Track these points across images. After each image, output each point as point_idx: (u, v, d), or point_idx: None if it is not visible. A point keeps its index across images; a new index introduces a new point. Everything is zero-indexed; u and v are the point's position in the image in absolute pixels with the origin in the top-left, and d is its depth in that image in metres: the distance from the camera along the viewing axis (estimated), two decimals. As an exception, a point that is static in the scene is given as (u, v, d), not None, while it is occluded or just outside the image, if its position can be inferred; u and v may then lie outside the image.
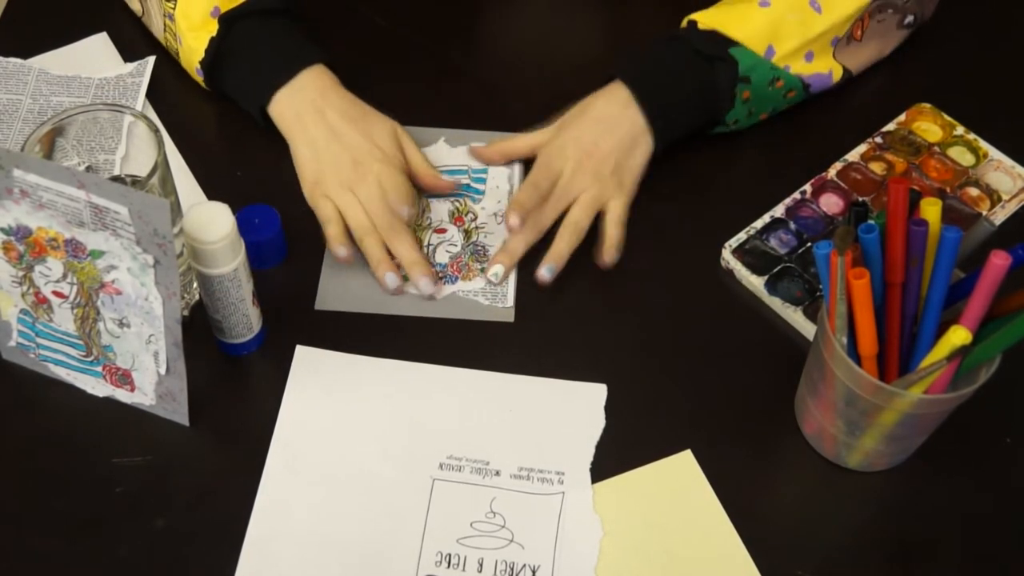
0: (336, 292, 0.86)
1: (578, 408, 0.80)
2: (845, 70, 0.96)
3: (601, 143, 0.89)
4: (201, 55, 0.91)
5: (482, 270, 0.87)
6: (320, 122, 0.89)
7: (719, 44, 0.90)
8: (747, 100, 0.91)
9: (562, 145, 0.89)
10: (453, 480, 0.77)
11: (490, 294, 0.86)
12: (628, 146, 0.89)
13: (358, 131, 0.88)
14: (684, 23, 0.92)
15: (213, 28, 0.90)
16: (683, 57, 0.90)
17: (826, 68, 0.94)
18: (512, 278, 0.87)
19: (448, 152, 0.94)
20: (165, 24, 0.94)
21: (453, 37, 1.03)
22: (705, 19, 0.91)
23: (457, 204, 0.91)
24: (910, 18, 0.98)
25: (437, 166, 0.92)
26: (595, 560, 0.74)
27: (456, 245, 0.89)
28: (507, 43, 1.05)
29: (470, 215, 0.91)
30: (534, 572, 0.73)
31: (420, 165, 0.90)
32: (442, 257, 0.88)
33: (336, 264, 0.87)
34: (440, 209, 0.91)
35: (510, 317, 0.85)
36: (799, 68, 0.92)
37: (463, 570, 0.73)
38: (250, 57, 0.91)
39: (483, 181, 0.93)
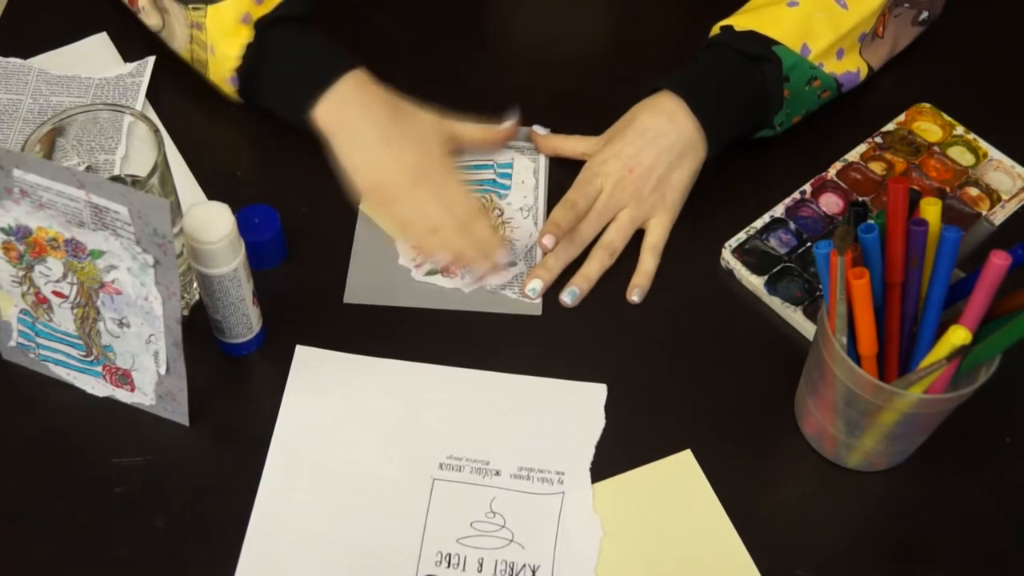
0: (364, 286, 0.86)
1: (578, 408, 0.80)
2: (869, 68, 0.96)
3: (643, 157, 0.87)
4: (236, 62, 0.89)
5: (509, 263, 0.87)
6: (368, 125, 0.87)
7: (761, 43, 0.89)
8: (787, 100, 0.90)
9: (603, 160, 0.88)
10: (453, 480, 0.77)
11: (517, 288, 0.87)
12: (673, 159, 0.88)
13: (407, 136, 0.87)
14: (716, 29, 0.91)
15: (246, 35, 0.88)
16: (728, 60, 0.89)
17: (855, 66, 0.94)
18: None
19: None
20: (192, 35, 0.91)
21: (453, 37, 1.03)
22: (740, 22, 0.90)
23: (483, 200, 0.91)
24: (925, 14, 0.98)
25: (460, 160, 0.91)
26: (595, 560, 0.74)
27: None
28: (508, 42, 1.05)
29: (496, 211, 0.91)
30: (534, 572, 0.73)
31: (476, 133, 0.90)
32: None
33: (363, 257, 0.87)
34: None
35: (537, 311, 0.85)
36: (832, 66, 0.92)
37: (463, 570, 0.73)
38: (290, 62, 0.89)
39: (508, 176, 0.93)
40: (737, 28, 0.90)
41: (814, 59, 0.90)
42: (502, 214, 0.91)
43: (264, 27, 0.88)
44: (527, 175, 0.93)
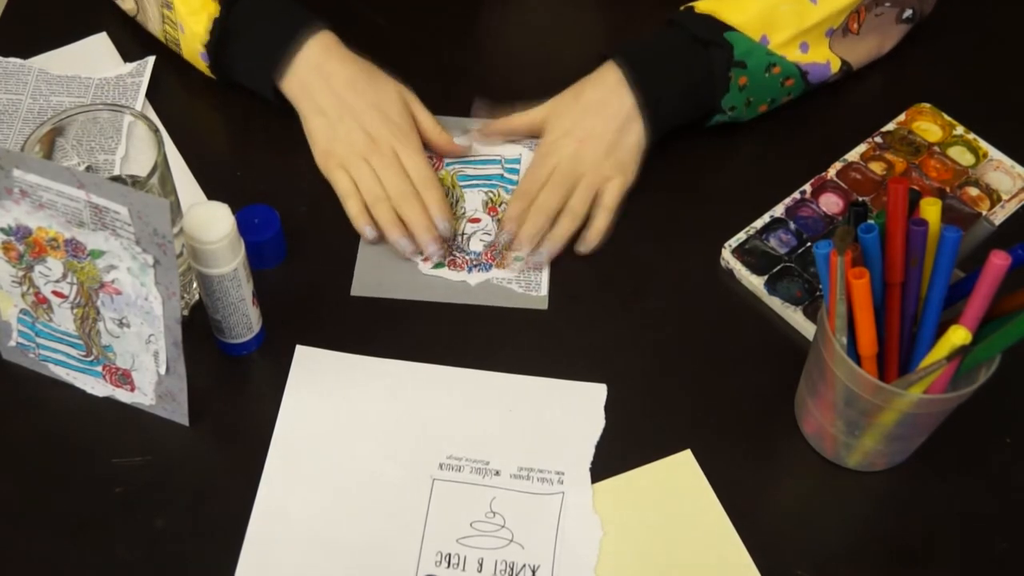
0: (372, 278, 0.87)
1: (578, 408, 0.80)
2: (844, 62, 0.96)
3: (593, 128, 0.90)
4: (204, 37, 0.91)
5: (516, 258, 0.88)
6: (327, 91, 0.89)
7: (714, 28, 0.90)
8: (744, 87, 0.91)
9: (554, 141, 0.90)
10: (453, 480, 0.77)
11: (524, 282, 0.87)
12: (618, 127, 0.90)
13: (367, 102, 0.89)
14: (682, 8, 0.93)
15: (212, 9, 0.90)
16: (678, 41, 0.91)
17: (823, 59, 0.94)
18: (546, 270, 0.88)
19: (482, 142, 0.96)
20: (163, 15, 0.94)
21: (453, 36, 1.03)
22: (702, 5, 0.92)
23: (491, 194, 0.92)
24: (908, 12, 0.98)
25: (469, 155, 0.94)
26: (595, 560, 0.74)
27: (490, 234, 0.90)
28: (507, 42, 1.05)
29: (503, 205, 0.91)
30: (534, 572, 0.73)
31: (432, 130, 0.92)
32: (476, 246, 0.89)
33: (371, 250, 0.88)
34: (474, 199, 0.92)
35: (544, 305, 0.86)
36: (795, 57, 0.92)
37: (463, 570, 0.73)
38: (255, 33, 0.91)
39: (516, 172, 0.93)
40: (697, 10, 0.91)
41: (774, 49, 0.91)
42: None
43: (230, 0, 0.90)
44: None
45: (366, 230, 0.87)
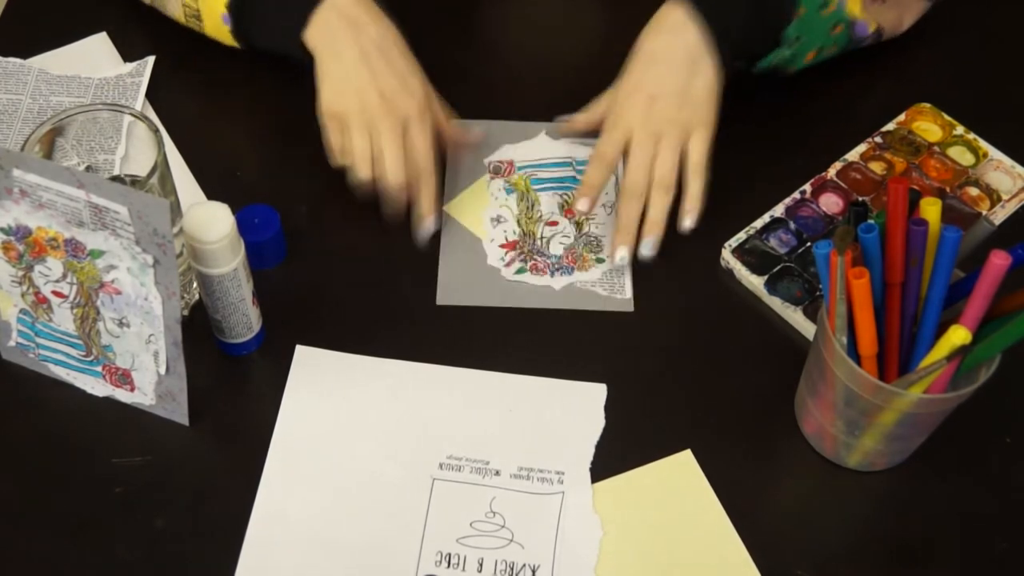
0: (455, 286, 0.86)
1: (578, 408, 0.80)
2: (878, 26, 0.95)
3: (660, 81, 0.85)
4: (223, 7, 0.88)
5: (597, 260, 0.87)
6: (353, 42, 0.84)
7: None
8: (800, 18, 0.87)
9: (622, 102, 0.87)
10: (453, 480, 0.77)
11: (607, 285, 0.87)
12: (690, 70, 0.85)
13: (391, 64, 0.85)
14: None
15: None
16: None
17: (863, 17, 0.92)
18: (628, 272, 0.87)
19: (550, 144, 0.95)
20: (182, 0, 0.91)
21: (454, 37, 1.03)
22: None
23: (566, 196, 0.91)
24: None
25: (540, 159, 0.93)
26: (595, 560, 0.74)
27: (569, 237, 0.89)
28: (509, 41, 1.05)
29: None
30: (534, 572, 0.73)
31: (444, 121, 0.89)
32: (556, 249, 0.88)
33: (452, 258, 0.87)
34: (550, 202, 0.91)
35: (629, 307, 0.85)
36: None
37: (463, 570, 0.73)
38: None
39: None
40: None
41: None
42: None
43: None
44: None
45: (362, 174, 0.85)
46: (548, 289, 0.86)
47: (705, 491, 0.77)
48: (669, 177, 0.86)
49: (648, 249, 0.86)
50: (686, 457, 0.78)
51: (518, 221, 0.90)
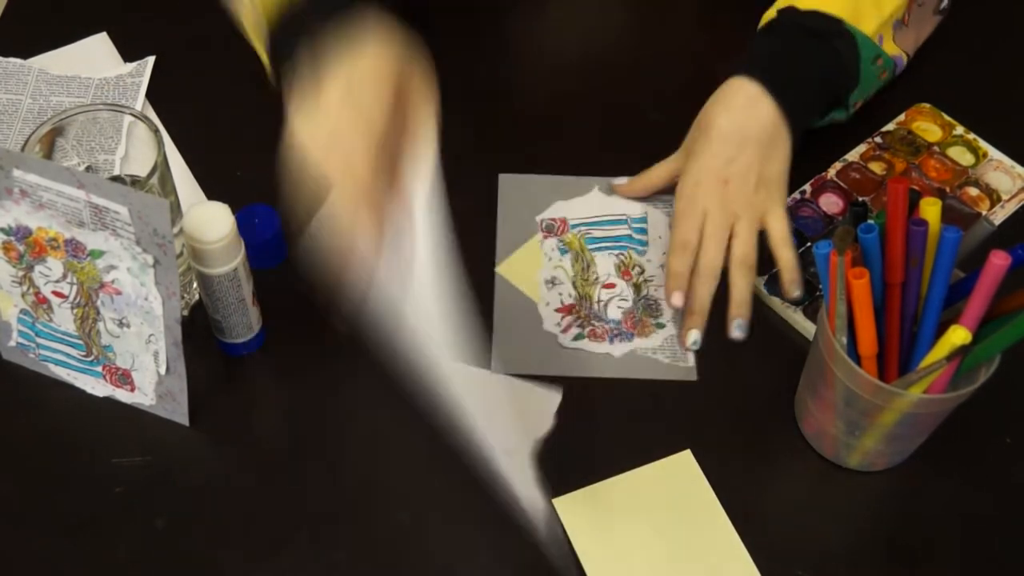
0: (510, 355, 0.82)
1: None
2: (907, 55, 0.95)
3: (735, 163, 0.84)
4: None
5: (657, 325, 0.84)
6: (344, 74, 0.71)
7: (829, 20, 0.86)
8: (862, 79, 0.88)
9: (696, 182, 0.85)
10: None
11: (669, 352, 0.83)
12: (765, 151, 0.84)
13: (367, 112, 0.70)
14: (773, 12, 0.89)
15: None
16: (799, 39, 0.86)
17: (897, 51, 0.93)
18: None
19: (603, 202, 0.91)
20: None
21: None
22: (801, 2, 0.87)
23: (622, 257, 0.87)
24: (944, 2, 0.98)
25: (594, 217, 0.89)
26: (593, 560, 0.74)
27: (627, 300, 0.85)
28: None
29: (636, 268, 0.87)
30: None
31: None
32: (614, 313, 0.84)
33: (506, 323, 0.83)
34: (606, 263, 0.87)
35: (693, 376, 0.82)
36: (884, 50, 0.91)
37: None
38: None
39: (644, 232, 0.89)
40: (800, 7, 0.87)
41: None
42: (643, 272, 0.87)
43: None
44: (663, 230, 0.89)
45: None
46: (607, 357, 0.82)
47: (705, 491, 0.77)
48: (751, 256, 0.83)
49: (740, 331, 0.82)
50: (686, 457, 0.78)
51: (574, 283, 0.86)
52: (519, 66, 1.03)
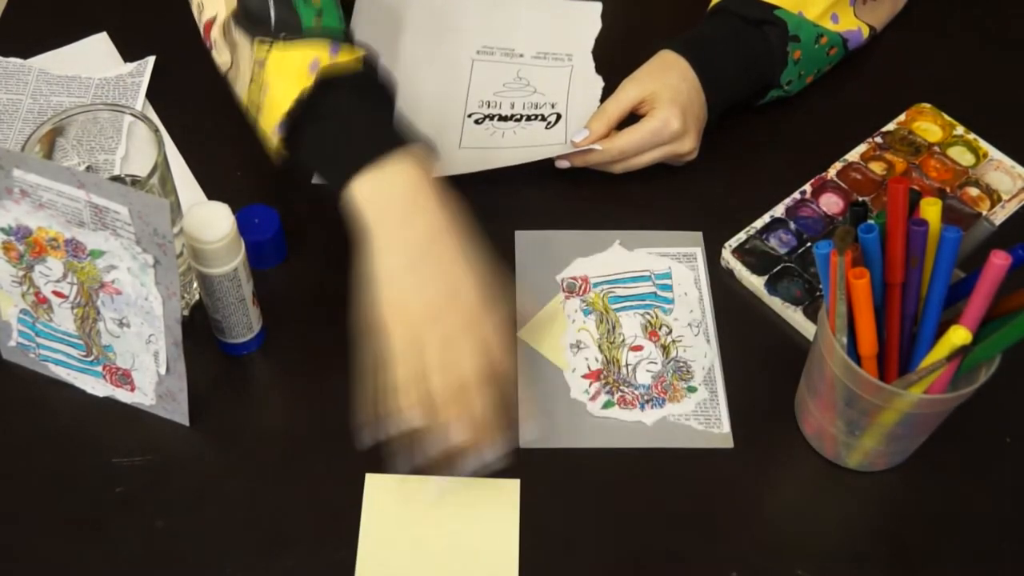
0: (540, 426, 0.78)
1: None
2: (870, 27, 0.98)
3: (699, 113, 0.90)
4: (288, 106, 0.78)
5: (689, 389, 0.81)
6: (402, 239, 0.74)
7: (762, 8, 0.92)
8: (798, 60, 0.93)
9: (682, 112, 0.89)
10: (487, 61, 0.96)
11: (703, 418, 0.80)
12: (702, 119, 0.91)
13: (442, 268, 0.73)
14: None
15: (307, 83, 0.77)
16: (730, 25, 0.92)
17: (855, 26, 0.97)
18: (724, 402, 0.81)
19: (626, 257, 0.88)
20: (253, 74, 0.80)
21: None
22: None
23: (648, 316, 0.85)
24: None
25: (616, 274, 0.87)
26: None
27: (656, 363, 0.82)
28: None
29: (664, 328, 0.84)
30: (552, 106, 0.92)
31: (499, 334, 0.75)
32: (644, 378, 0.81)
33: (532, 392, 0.80)
34: (631, 323, 0.84)
35: (728, 443, 0.79)
36: (832, 28, 0.95)
37: (499, 108, 0.93)
38: (343, 121, 0.78)
39: (669, 288, 0.86)
40: None
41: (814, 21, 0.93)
42: (670, 332, 0.84)
43: (325, 85, 0.77)
44: (689, 286, 0.86)
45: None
46: (639, 425, 0.79)
47: (511, 526, 0.75)
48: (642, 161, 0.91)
49: (578, 137, 0.89)
50: (511, 486, 0.76)
51: (599, 347, 0.83)
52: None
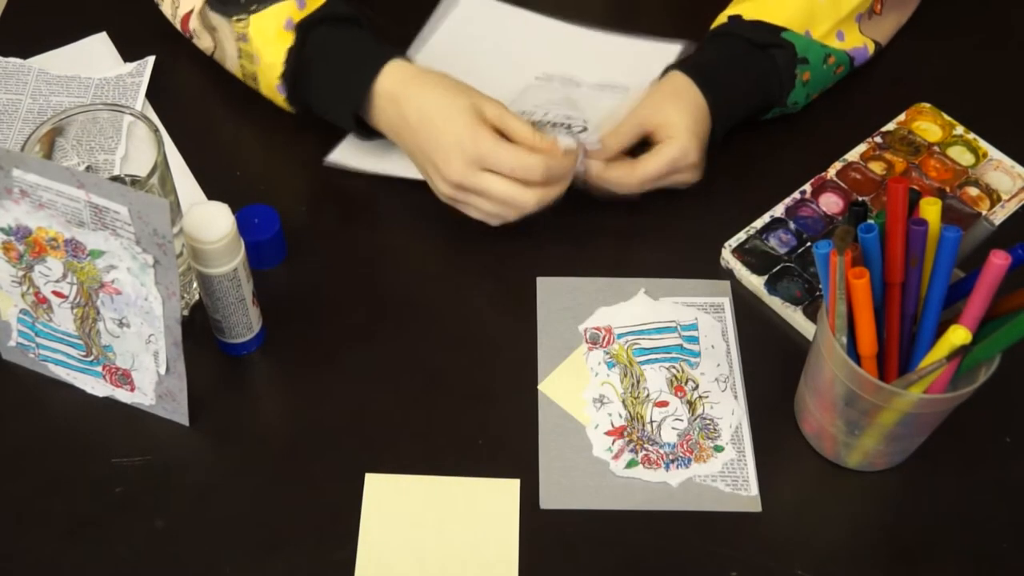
0: (560, 487, 0.77)
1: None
2: (876, 44, 0.98)
3: (705, 133, 0.89)
4: (280, 68, 0.88)
5: (716, 448, 0.79)
6: (406, 130, 0.86)
7: (769, 31, 0.91)
8: (807, 82, 0.93)
9: (700, 143, 0.88)
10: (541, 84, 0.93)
11: (730, 479, 0.77)
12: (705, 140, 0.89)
13: (440, 142, 0.83)
14: (724, 18, 0.93)
15: (289, 39, 0.88)
16: (736, 48, 0.91)
17: (860, 43, 0.96)
18: (752, 462, 0.78)
19: (651, 307, 0.86)
20: (239, 49, 0.91)
21: None
22: (747, 11, 0.92)
23: (674, 371, 0.82)
24: None
25: (641, 324, 0.84)
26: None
27: (682, 420, 0.80)
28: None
29: (690, 383, 0.82)
30: (584, 121, 0.87)
31: (528, 138, 0.84)
32: (669, 436, 0.79)
33: (553, 450, 0.78)
34: (656, 378, 0.82)
35: (757, 507, 0.76)
36: (837, 46, 0.94)
37: (532, 116, 0.88)
38: (333, 61, 0.88)
39: (695, 340, 0.84)
40: (745, 17, 0.92)
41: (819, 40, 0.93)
42: (697, 387, 0.81)
43: (305, 29, 0.87)
44: (716, 338, 0.84)
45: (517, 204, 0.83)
46: (663, 486, 0.77)
47: (511, 524, 0.75)
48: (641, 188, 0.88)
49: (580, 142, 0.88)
50: (511, 485, 0.77)
51: (623, 402, 0.81)
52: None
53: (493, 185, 0.83)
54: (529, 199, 0.83)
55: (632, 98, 0.90)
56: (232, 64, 0.93)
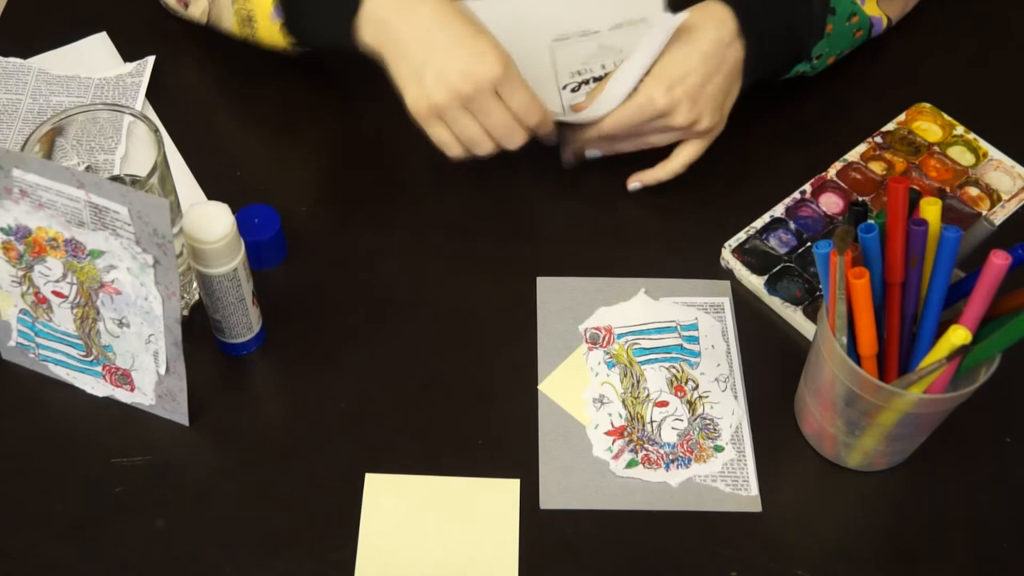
0: (560, 487, 0.77)
1: None
2: (888, 19, 0.98)
3: (709, 84, 0.85)
4: (272, 2, 0.87)
5: (716, 448, 0.78)
6: (409, 30, 0.82)
7: None
8: (829, 35, 0.91)
9: (670, 87, 0.84)
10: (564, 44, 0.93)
11: (730, 479, 0.77)
12: (727, 87, 0.86)
13: (454, 37, 0.81)
14: None
15: None
16: None
17: (878, 13, 0.96)
18: (752, 462, 0.78)
19: (651, 307, 0.85)
20: (235, 5, 0.90)
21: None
22: None
23: (674, 370, 0.82)
24: None
25: (641, 324, 0.84)
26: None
27: (682, 420, 0.80)
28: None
29: (690, 383, 0.82)
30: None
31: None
32: (669, 436, 0.79)
33: (553, 450, 0.78)
34: (656, 378, 0.82)
35: (757, 507, 0.76)
36: (862, 8, 0.94)
37: (592, 72, 0.93)
38: None
39: (696, 340, 0.84)
40: None
41: None
42: (697, 387, 0.81)
43: None
44: (716, 337, 0.84)
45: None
46: (664, 486, 0.77)
47: (511, 523, 0.75)
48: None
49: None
50: (511, 485, 0.77)
51: (623, 402, 0.81)
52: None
53: (496, 110, 0.81)
54: (520, 137, 0.83)
55: (651, 36, 0.85)
56: (228, 22, 0.91)
